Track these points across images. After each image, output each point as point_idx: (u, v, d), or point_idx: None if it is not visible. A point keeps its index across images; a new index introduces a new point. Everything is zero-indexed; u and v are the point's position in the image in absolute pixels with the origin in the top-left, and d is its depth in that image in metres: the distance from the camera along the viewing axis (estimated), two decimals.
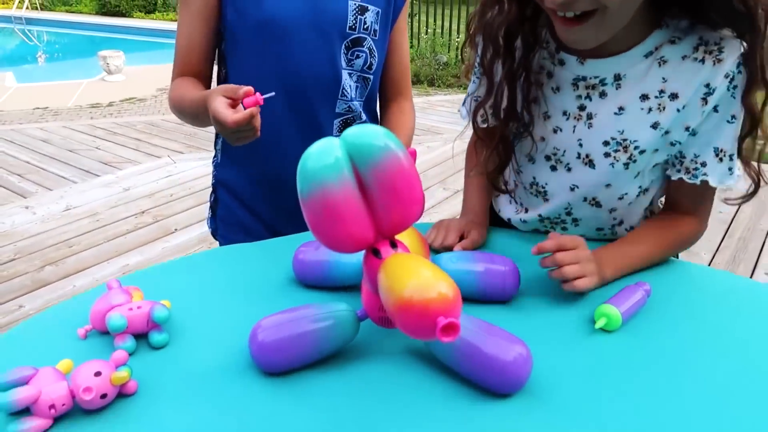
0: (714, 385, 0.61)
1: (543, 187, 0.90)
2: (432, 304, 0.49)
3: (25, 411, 0.54)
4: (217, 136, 1.10)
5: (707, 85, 0.75)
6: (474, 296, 0.73)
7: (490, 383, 0.59)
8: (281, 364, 0.61)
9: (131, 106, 5.92)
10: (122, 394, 0.58)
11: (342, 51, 1.00)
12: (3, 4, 14.30)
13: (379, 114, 1.17)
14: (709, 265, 2.63)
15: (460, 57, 7.06)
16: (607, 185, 0.85)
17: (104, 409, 0.56)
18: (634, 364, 0.65)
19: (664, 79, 0.77)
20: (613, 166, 0.82)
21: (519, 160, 0.91)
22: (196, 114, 0.95)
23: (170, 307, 0.67)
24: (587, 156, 0.84)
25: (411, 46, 7.88)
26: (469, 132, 0.96)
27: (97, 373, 0.55)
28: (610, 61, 0.79)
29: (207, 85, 1.01)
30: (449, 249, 0.86)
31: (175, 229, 2.87)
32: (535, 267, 0.79)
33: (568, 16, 0.70)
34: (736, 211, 3.14)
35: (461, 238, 0.88)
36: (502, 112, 0.85)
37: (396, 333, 0.67)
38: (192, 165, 3.76)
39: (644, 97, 0.79)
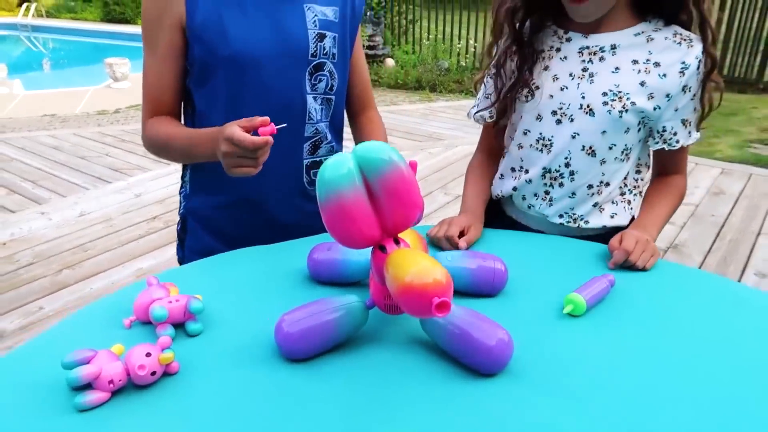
0: (668, 364, 0.71)
1: (549, 140, 1.06)
2: (428, 287, 0.60)
3: (87, 386, 0.64)
4: (184, 167, 1.16)
5: (683, 63, 0.98)
6: (468, 290, 0.84)
7: (477, 364, 0.69)
8: (303, 351, 0.71)
9: (137, 112, 6.04)
10: (167, 373, 0.68)
11: (306, 77, 1.07)
12: (8, 11, 14.47)
13: (350, 128, 1.25)
14: (701, 266, 2.72)
15: (462, 63, 7.18)
16: (603, 132, 1.02)
17: (153, 385, 0.67)
18: (599, 346, 0.75)
19: (650, 51, 1.00)
20: (609, 113, 1.01)
21: (527, 121, 1.08)
22: (188, 148, 1.00)
23: (202, 300, 0.77)
24: (588, 106, 1.02)
25: (413, 53, 8.00)
26: (470, 147, 1.08)
27: (148, 354, 0.65)
28: (608, 36, 1.02)
29: (179, 122, 1.07)
30: (450, 239, 0.99)
31: None
32: (520, 264, 0.89)
33: None
34: (728, 215, 3.24)
35: (461, 234, 1.01)
36: (508, 76, 1.09)
37: (398, 322, 0.78)
38: None
39: (635, 62, 1.00)
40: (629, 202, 1.10)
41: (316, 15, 1.07)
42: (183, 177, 1.19)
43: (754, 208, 3.32)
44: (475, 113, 1.17)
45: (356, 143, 1.17)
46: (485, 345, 0.68)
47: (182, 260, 1.21)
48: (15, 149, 4.46)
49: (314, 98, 1.09)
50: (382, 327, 0.78)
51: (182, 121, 1.12)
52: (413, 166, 0.72)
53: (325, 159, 1.07)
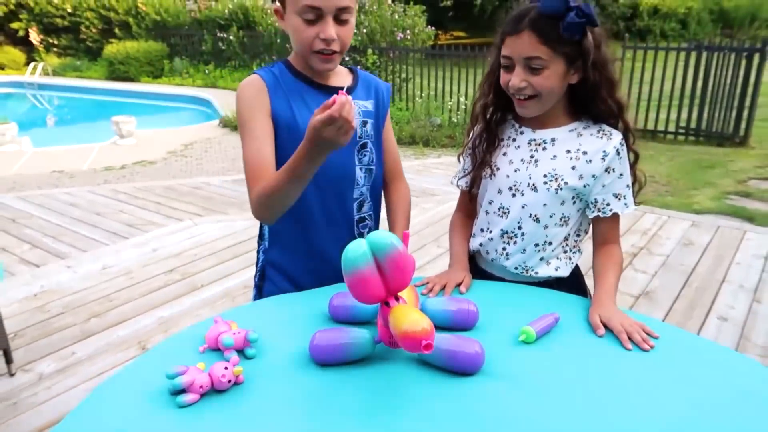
0: (593, 382, 1.00)
1: (506, 209, 1.38)
2: (418, 333, 0.89)
3: (182, 391, 0.93)
4: (261, 226, 1.48)
5: (604, 151, 1.30)
6: (450, 326, 1.13)
7: (460, 367, 0.99)
8: (326, 359, 1.02)
9: (143, 168, 6.38)
10: (236, 382, 0.97)
11: (355, 153, 1.40)
12: (16, 70, 15.04)
13: (382, 193, 1.56)
14: (669, 311, 3.01)
15: (454, 119, 7.61)
16: (544, 204, 1.33)
17: (227, 390, 0.95)
18: (544, 362, 1.04)
19: (580, 143, 1.32)
20: (548, 191, 1.32)
21: (491, 193, 1.40)
22: (292, 171, 1.15)
23: (256, 332, 1.06)
24: (533, 184, 1.33)
25: (406, 109, 8.46)
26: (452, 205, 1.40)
27: (226, 368, 0.94)
28: (550, 131, 1.35)
29: None
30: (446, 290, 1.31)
31: (201, 285, 3.26)
32: (489, 305, 1.19)
33: (521, 98, 1.27)
34: (696, 264, 3.55)
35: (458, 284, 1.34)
36: (477, 156, 1.42)
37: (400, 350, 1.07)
38: (211, 227, 4.18)
39: (568, 151, 1.32)
40: (570, 258, 1.41)
41: (359, 107, 1.40)
42: (260, 236, 1.49)
43: (719, 258, 3.63)
44: (457, 181, 1.50)
45: (386, 209, 1.55)
46: (468, 353, 0.98)
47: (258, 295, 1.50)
48: (34, 206, 4.76)
49: (360, 169, 1.42)
50: (387, 351, 1.07)
51: None
52: (406, 236, 1.03)
53: (368, 215, 1.48)
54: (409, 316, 0.92)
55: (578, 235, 1.41)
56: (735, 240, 3.92)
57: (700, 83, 7.05)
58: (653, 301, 3.11)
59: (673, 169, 5.86)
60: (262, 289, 1.48)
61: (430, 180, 5.47)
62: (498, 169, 1.38)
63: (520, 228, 1.37)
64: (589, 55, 1.23)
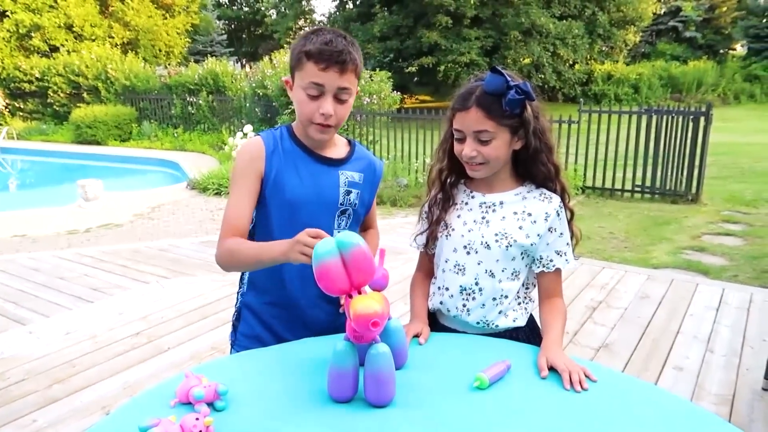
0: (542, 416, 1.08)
1: (462, 266, 1.48)
2: (369, 314, 1.00)
3: None
4: (242, 275, 1.58)
5: (546, 213, 1.44)
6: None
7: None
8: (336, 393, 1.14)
9: (108, 231, 6.36)
10: None
11: (335, 218, 1.52)
12: None
13: None
14: (627, 362, 3.11)
15: (420, 179, 7.83)
16: (497, 260, 1.44)
17: None
18: (497, 406, 1.11)
19: (525, 206, 1.46)
20: (500, 248, 1.43)
21: (446, 252, 1.50)
22: (259, 255, 1.34)
23: (226, 386, 1.12)
24: (486, 242, 1.44)
25: None
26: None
27: (197, 419, 0.99)
28: (498, 195, 1.48)
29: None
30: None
31: (168, 348, 3.24)
32: (446, 356, 1.27)
33: (472, 164, 1.41)
34: (652, 317, 3.68)
35: (417, 335, 1.43)
36: (434, 216, 1.53)
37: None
38: (179, 289, 4.18)
39: (515, 213, 1.45)
40: (525, 308, 1.52)
41: (347, 178, 1.52)
42: (241, 280, 1.59)
43: (674, 310, 3.79)
44: (414, 240, 1.61)
45: None
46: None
47: (234, 343, 1.59)
48: None
49: (338, 232, 1.50)
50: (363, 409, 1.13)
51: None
52: (382, 253, 1.13)
53: None
54: (363, 301, 1.03)
55: (527, 288, 1.53)
56: (688, 292, 4.09)
57: (652, 144, 7.46)
58: (612, 352, 3.22)
59: (630, 225, 6.11)
60: (237, 328, 1.59)
61: (397, 239, 5.56)
62: (453, 229, 1.50)
63: (477, 284, 1.47)
64: (529, 125, 1.39)
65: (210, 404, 1.11)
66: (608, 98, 21.54)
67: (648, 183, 7.59)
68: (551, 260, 1.46)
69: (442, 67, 20.17)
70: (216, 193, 8.23)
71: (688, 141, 7.18)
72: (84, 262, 4.98)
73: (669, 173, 7.43)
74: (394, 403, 1.13)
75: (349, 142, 1.59)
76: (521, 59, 20.96)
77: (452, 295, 1.50)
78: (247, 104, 12.66)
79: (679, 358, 3.15)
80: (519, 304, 1.51)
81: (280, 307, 1.53)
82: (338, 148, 1.55)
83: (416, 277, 1.64)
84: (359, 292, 1.09)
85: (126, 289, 4.25)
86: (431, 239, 1.55)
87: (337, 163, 1.52)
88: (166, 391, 1.16)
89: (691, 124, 7.17)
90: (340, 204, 1.51)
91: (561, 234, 1.46)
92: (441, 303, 1.53)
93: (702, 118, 7.05)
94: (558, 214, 1.45)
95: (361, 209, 1.57)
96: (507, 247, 1.43)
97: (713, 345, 3.30)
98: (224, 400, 1.11)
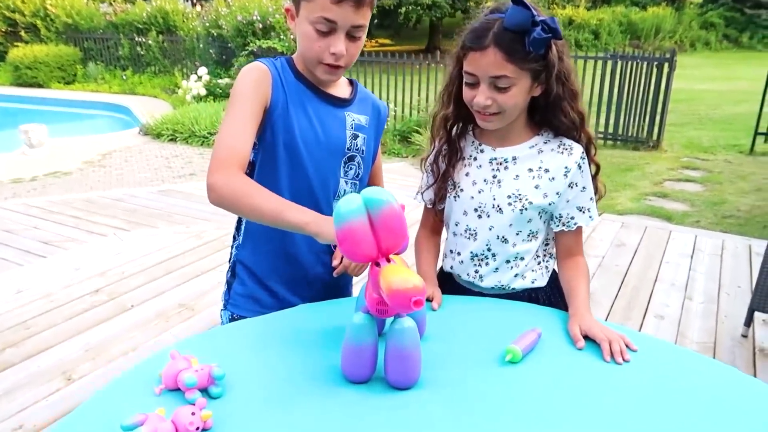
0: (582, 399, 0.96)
1: (474, 231, 1.33)
2: (408, 290, 0.83)
3: None
4: (239, 221, 1.39)
5: (566, 167, 1.27)
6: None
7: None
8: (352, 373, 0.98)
9: (56, 180, 5.97)
10: (204, 428, 0.85)
11: (341, 164, 1.35)
12: None
13: None
14: (609, 311, 3.08)
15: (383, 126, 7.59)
16: (510, 225, 1.29)
17: None
18: (534, 380, 0.98)
19: (541, 161, 1.28)
20: (513, 211, 1.28)
21: (456, 215, 1.35)
22: (280, 213, 1.12)
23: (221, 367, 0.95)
24: (498, 206, 1.29)
25: None
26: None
27: (193, 413, 0.82)
28: (510, 149, 1.30)
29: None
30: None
31: (131, 306, 3.04)
32: (466, 325, 1.13)
33: (485, 113, 1.22)
34: (629, 265, 3.66)
35: (428, 299, 1.26)
36: (440, 171, 1.36)
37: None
38: (139, 242, 3.93)
39: (530, 170, 1.28)
40: (546, 267, 1.38)
41: (353, 120, 1.35)
42: (236, 229, 1.41)
43: (650, 258, 3.77)
44: (421, 196, 1.43)
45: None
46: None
47: (227, 302, 1.41)
48: None
49: (345, 181, 1.38)
50: (375, 389, 0.98)
51: None
52: (402, 207, 0.95)
53: None
54: (399, 273, 0.87)
55: (547, 244, 1.38)
56: (662, 240, 4.09)
57: (616, 90, 7.39)
58: (594, 302, 3.18)
59: None
60: (231, 286, 1.42)
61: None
62: (462, 190, 1.34)
63: (489, 249, 1.33)
64: (553, 69, 1.20)
65: (203, 390, 0.94)
66: (569, 44, 21.42)
67: (611, 129, 7.57)
68: (572, 218, 1.31)
69: (403, 9, 19.59)
70: (171, 140, 7.83)
71: (651, 88, 7.15)
72: (32, 213, 4.64)
73: (631, 120, 7.42)
74: (418, 381, 0.99)
75: (351, 81, 1.41)
76: (485, 1, 20.51)
77: (463, 261, 1.36)
78: (201, 45, 12.01)
79: (660, 306, 3.14)
80: (538, 263, 1.37)
81: (281, 262, 1.37)
82: (341, 87, 1.36)
83: (421, 234, 1.48)
84: (387, 260, 0.92)
85: (81, 242, 3.97)
86: (439, 196, 1.38)
87: (343, 103, 1.34)
88: (148, 374, 0.99)
89: (654, 71, 7.12)
90: (348, 149, 1.35)
91: (583, 188, 1.30)
92: (452, 268, 1.40)
93: (666, 65, 7.01)
94: (579, 167, 1.28)
95: (368, 157, 1.40)
96: (522, 210, 1.28)
97: (691, 292, 3.30)
98: (220, 385, 0.95)
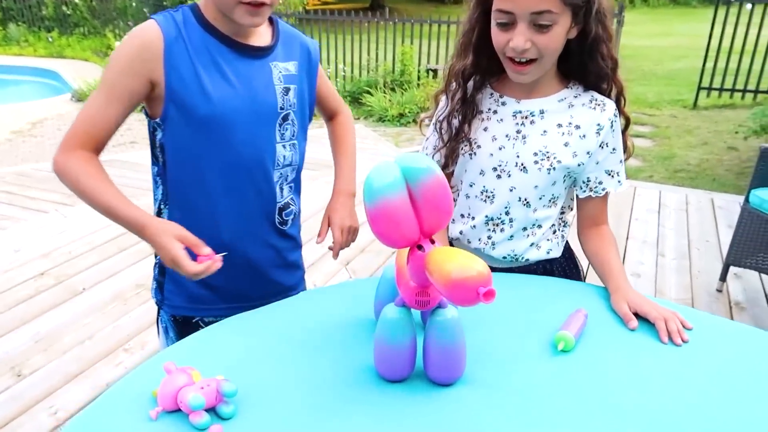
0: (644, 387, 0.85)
1: (491, 192, 1.19)
2: (473, 279, 0.67)
3: None
4: (159, 213, 1.19)
5: (598, 124, 1.15)
6: None
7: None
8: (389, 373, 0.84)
9: None
10: None
11: (276, 128, 1.15)
12: None
13: (327, 130, 1.39)
14: (587, 271, 3.03)
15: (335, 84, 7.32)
16: (535, 186, 1.17)
17: None
18: (583, 370, 0.86)
19: (571, 116, 1.16)
20: (539, 171, 1.15)
21: (471, 175, 1.20)
22: (113, 209, 1.02)
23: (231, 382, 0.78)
24: (522, 164, 1.16)
25: None
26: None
27: None
28: (536, 101, 1.17)
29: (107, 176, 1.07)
30: None
31: (83, 289, 2.78)
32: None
33: (520, 61, 1.07)
34: None
35: None
36: (453, 128, 1.20)
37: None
38: (85, 218, 3.61)
39: (559, 125, 1.15)
40: (561, 236, 1.26)
41: (280, 71, 1.14)
42: (158, 215, 1.20)
43: (619, 215, 3.75)
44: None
45: (331, 146, 1.38)
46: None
47: (161, 303, 1.23)
48: None
49: (283, 146, 1.17)
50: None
51: (153, 173, 1.17)
52: None
53: (292, 200, 1.24)
54: (456, 258, 0.71)
55: (563, 213, 1.27)
56: (628, 196, 4.08)
57: None
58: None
59: None
60: (163, 286, 1.23)
61: (322, 150, 5.18)
62: (479, 146, 1.19)
63: (507, 213, 1.20)
64: (594, 5, 1.06)
65: (210, 410, 0.77)
66: None
67: None
68: (600, 182, 1.19)
69: None
70: None
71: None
72: None
73: None
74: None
75: (271, 20, 1.18)
76: None
77: (475, 226, 1.22)
78: (134, 4, 11.28)
79: (635, 264, 3.12)
80: (554, 232, 1.25)
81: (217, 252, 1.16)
82: (260, 33, 1.14)
83: None
84: (431, 241, 0.76)
85: (18, 220, 3.62)
86: (450, 158, 1.23)
87: (266, 52, 1.12)
88: (136, 393, 0.81)
89: None
90: (281, 108, 1.15)
91: (614, 150, 1.18)
92: (461, 233, 1.25)
93: (615, 20, 6.99)
94: (612, 126, 1.16)
95: (303, 111, 1.21)
96: (549, 170, 1.15)
97: (663, 249, 3.29)
98: (232, 403, 0.78)
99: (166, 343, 1.28)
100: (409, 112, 6.61)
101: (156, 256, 1.22)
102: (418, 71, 7.42)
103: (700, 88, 7.15)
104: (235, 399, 0.78)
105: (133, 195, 1.11)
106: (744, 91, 7.11)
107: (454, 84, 1.20)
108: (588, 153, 1.15)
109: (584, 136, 1.15)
